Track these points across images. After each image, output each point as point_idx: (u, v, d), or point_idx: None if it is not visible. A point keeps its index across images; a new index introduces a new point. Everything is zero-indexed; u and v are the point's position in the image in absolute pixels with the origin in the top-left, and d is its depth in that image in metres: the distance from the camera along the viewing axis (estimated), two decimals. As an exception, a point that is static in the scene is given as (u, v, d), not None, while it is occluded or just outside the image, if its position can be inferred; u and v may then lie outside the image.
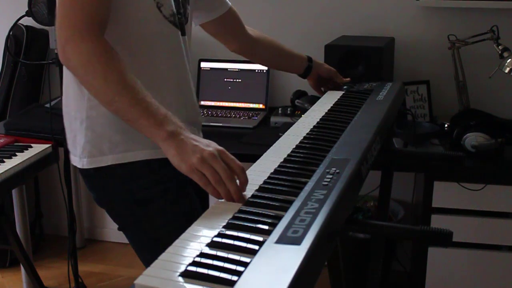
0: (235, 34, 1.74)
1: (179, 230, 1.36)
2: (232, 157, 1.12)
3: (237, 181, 1.08)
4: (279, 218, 0.92)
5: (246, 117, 2.54)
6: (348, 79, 1.89)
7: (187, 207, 1.39)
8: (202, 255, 0.84)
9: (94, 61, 1.19)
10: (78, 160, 1.40)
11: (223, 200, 1.07)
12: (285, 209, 0.95)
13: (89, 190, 1.45)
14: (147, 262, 1.40)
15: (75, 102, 1.39)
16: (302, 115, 1.56)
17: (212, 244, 0.87)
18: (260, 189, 1.07)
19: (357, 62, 2.26)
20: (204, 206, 1.60)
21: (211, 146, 1.12)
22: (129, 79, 1.19)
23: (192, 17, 1.54)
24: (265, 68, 2.62)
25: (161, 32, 1.39)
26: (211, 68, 2.70)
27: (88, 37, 1.20)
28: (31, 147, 2.13)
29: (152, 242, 1.37)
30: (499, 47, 2.22)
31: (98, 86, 1.20)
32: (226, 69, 2.68)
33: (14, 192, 2.50)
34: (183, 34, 1.46)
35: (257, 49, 1.79)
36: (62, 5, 1.22)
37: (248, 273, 0.77)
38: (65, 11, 1.22)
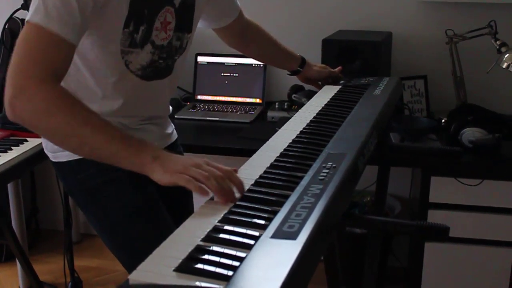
0: (234, 33, 1.74)
1: (130, 219, 1.39)
2: (219, 165, 1.08)
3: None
4: (275, 212, 0.92)
5: (243, 112, 2.53)
6: (340, 67, 1.90)
7: (138, 199, 1.39)
8: (197, 249, 0.83)
9: (53, 110, 1.11)
10: (45, 151, 1.48)
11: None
12: (281, 204, 0.95)
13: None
14: (110, 248, 1.44)
15: None
16: (299, 110, 1.56)
17: (207, 239, 0.86)
18: (256, 183, 1.06)
19: (354, 56, 2.25)
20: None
21: (194, 159, 1.10)
22: (95, 117, 1.14)
23: (192, 40, 1.50)
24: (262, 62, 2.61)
25: (124, 81, 1.38)
26: (208, 62, 2.69)
27: (44, 86, 1.12)
28: (26, 141, 2.11)
29: (108, 229, 1.43)
30: (497, 42, 2.22)
31: (63, 133, 1.13)
32: (223, 63, 2.67)
33: (9, 187, 2.49)
34: (161, 77, 1.44)
35: (252, 46, 1.80)
36: (16, 53, 1.15)
37: (243, 268, 0.77)
38: (19, 60, 1.14)
